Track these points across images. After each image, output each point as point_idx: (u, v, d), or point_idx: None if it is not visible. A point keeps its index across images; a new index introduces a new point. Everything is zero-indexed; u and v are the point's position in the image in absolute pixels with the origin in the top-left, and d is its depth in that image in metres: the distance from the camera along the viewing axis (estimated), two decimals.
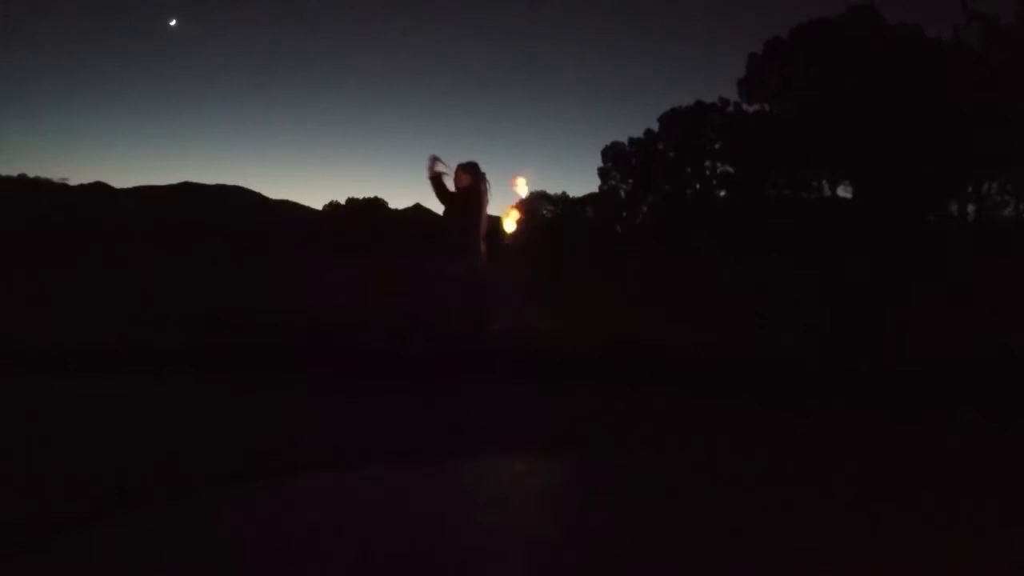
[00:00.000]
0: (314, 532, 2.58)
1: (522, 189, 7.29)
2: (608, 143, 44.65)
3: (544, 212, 57.10)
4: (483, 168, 6.78)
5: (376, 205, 54.99)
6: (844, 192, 33.68)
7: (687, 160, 39.70)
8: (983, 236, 26.24)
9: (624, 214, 44.84)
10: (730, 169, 37.94)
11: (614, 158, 44.09)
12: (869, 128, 29.08)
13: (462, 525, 2.69)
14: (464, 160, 6.79)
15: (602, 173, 44.76)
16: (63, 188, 49.88)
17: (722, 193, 38.66)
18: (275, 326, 7.87)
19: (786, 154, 32.10)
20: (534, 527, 2.69)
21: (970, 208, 31.90)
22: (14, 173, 52.23)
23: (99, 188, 51.45)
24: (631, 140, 43.17)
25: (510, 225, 7.32)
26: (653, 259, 24.35)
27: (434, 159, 6.70)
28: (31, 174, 52.55)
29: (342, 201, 59.01)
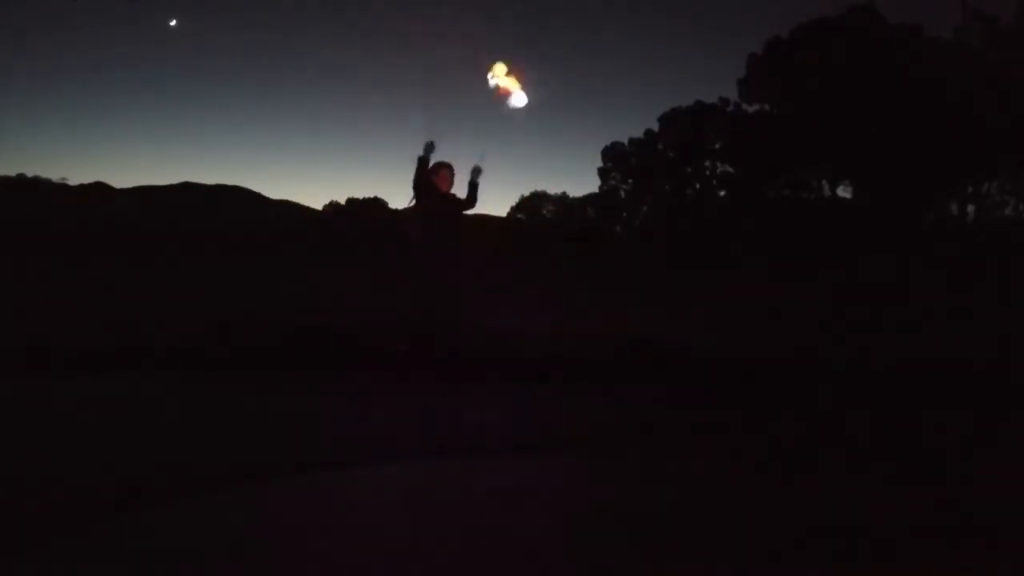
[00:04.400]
0: (314, 531, 2.58)
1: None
2: (608, 143, 44.64)
3: (544, 212, 57.10)
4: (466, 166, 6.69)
5: (376, 205, 54.88)
6: (844, 192, 33.67)
7: (687, 160, 39.66)
8: (983, 236, 26.23)
9: (624, 214, 44.82)
10: (730, 169, 37.91)
11: (614, 158, 44.06)
12: (869, 128, 29.07)
13: (462, 524, 2.69)
14: (444, 160, 6.60)
15: (602, 173, 44.74)
16: (63, 188, 49.84)
17: (722, 193, 38.63)
18: (276, 326, 7.87)
19: (786, 154, 32.06)
20: (533, 527, 2.69)
21: (970, 208, 31.88)
22: (13, 173, 52.14)
23: (99, 188, 51.38)
24: (631, 140, 43.15)
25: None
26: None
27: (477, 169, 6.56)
28: (30, 174, 52.45)
29: (342, 201, 58.95)
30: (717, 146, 38.47)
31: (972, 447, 4.23)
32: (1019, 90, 24.72)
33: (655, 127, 41.44)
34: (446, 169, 6.58)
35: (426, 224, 6.44)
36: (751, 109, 36.33)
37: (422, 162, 6.44)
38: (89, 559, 2.38)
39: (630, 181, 43.74)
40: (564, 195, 56.21)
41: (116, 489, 3.03)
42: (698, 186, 40.19)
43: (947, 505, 3.09)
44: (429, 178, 6.45)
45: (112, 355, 6.27)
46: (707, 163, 39.68)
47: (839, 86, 29.83)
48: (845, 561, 2.44)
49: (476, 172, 6.62)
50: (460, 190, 6.66)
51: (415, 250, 6.47)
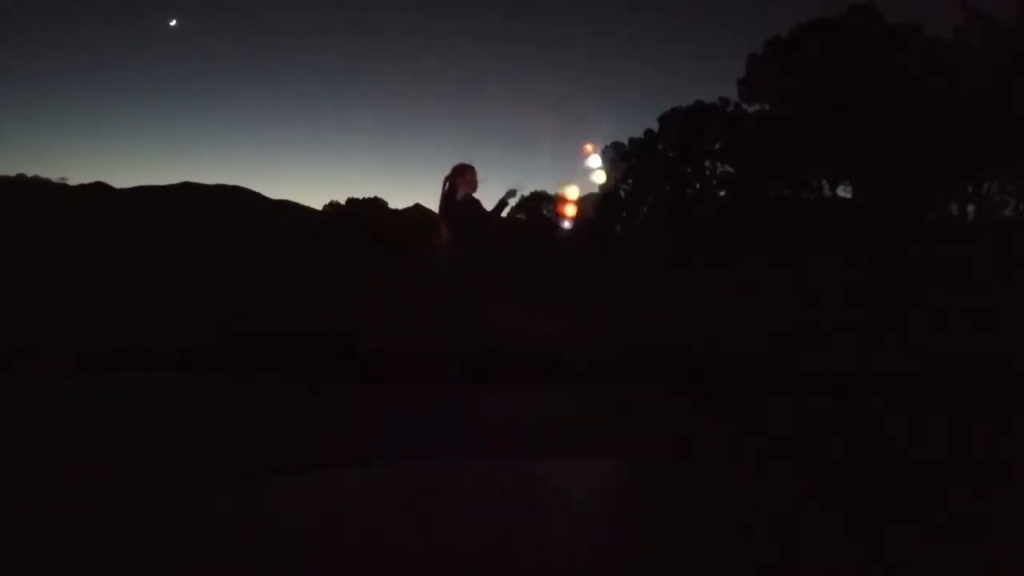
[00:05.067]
0: (314, 531, 2.58)
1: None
2: (608, 143, 44.63)
3: (544, 212, 57.07)
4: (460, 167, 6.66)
5: (376, 205, 54.80)
6: (844, 192, 33.67)
7: (687, 160, 39.65)
8: (983, 236, 26.24)
9: (624, 214, 44.82)
10: (730, 169, 37.91)
11: (614, 158, 44.06)
12: (869, 128, 29.08)
13: (462, 524, 2.69)
14: (461, 163, 6.56)
15: None
16: (63, 188, 49.86)
17: (722, 193, 38.63)
18: (276, 326, 7.87)
19: (786, 154, 32.06)
20: (534, 527, 2.69)
21: (970, 208, 31.88)
22: (13, 173, 52.19)
23: (99, 188, 51.40)
24: (631, 140, 43.16)
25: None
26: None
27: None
28: (30, 174, 52.46)
29: (342, 201, 58.94)
30: (717, 146, 38.46)
31: (971, 448, 4.23)
32: (1019, 90, 24.72)
33: (655, 127, 41.45)
34: (471, 171, 6.53)
35: (448, 226, 6.40)
36: (751, 109, 36.34)
37: (501, 204, 6.46)
38: (89, 559, 2.38)
39: (630, 181, 43.74)
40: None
41: (116, 489, 3.03)
42: (698, 186, 40.17)
43: (947, 505, 3.09)
44: (455, 185, 6.41)
45: (112, 355, 6.27)
46: (707, 163, 39.66)
47: (839, 86, 29.83)
48: (848, 561, 2.44)
49: (511, 194, 6.53)
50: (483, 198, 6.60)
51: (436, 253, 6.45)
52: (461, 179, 6.46)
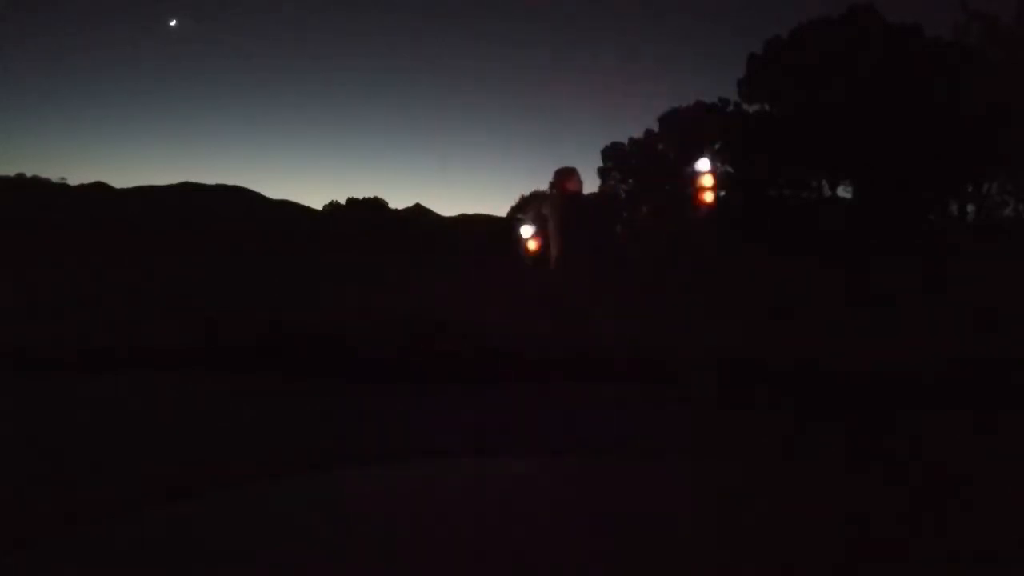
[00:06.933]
0: (315, 531, 2.58)
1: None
2: (608, 143, 44.55)
3: (543, 211, 57.00)
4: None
5: (376, 205, 54.61)
6: (844, 192, 33.62)
7: (687, 160, 39.61)
8: (983, 236, 26.25)
9: (624, 214, 44.79)
10: (730, 169, 37.85)
11: (614, 158, 44.01)
12: (869, 128, 29.07)
13: (462, 523, 2.69)
14: (564, 166, 6.53)
15: (602, 173, 44.71)
16: (63, 188, 49.80)
17: (722, 193, 38.56)
18: (276, 326, 7.87)
19: (786, 154, 32.02)
20: (533, 526, 2.69)
21: (970, 208, 31.85)
22: (13, 173, 52.05)
23: (99, 188, 51.32)
24: (631, 140, 43.09)
25: None
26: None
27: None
28: (30, 174, 52.29)
29: (342, 201, 58.69)
30: (717, 146, 38.44)
31: (971, 451, 4.23)
32: (1019, 90, 24.74)
33: (655, 127, 41.43)
34: (575, 173, 6.51)
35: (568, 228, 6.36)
36: (751, 109, 36.29)
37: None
38: (89, 559, 2.38)
39: (630, 181, 43.72)
40: None
41: (117, 488, 3.03)
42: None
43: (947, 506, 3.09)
44: (565, 187, 6.39)
45: (113, 355, 6.27)
46: None
47: (839, 86, 29.83)
48: (852, 561, 2.44)
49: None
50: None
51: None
52: (568, 182, 6.46)
